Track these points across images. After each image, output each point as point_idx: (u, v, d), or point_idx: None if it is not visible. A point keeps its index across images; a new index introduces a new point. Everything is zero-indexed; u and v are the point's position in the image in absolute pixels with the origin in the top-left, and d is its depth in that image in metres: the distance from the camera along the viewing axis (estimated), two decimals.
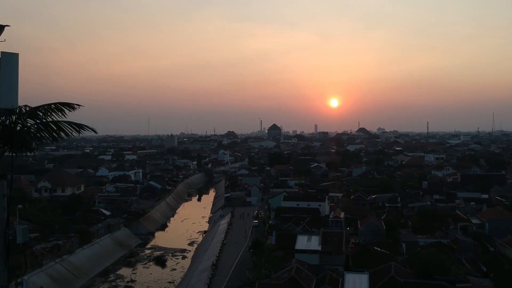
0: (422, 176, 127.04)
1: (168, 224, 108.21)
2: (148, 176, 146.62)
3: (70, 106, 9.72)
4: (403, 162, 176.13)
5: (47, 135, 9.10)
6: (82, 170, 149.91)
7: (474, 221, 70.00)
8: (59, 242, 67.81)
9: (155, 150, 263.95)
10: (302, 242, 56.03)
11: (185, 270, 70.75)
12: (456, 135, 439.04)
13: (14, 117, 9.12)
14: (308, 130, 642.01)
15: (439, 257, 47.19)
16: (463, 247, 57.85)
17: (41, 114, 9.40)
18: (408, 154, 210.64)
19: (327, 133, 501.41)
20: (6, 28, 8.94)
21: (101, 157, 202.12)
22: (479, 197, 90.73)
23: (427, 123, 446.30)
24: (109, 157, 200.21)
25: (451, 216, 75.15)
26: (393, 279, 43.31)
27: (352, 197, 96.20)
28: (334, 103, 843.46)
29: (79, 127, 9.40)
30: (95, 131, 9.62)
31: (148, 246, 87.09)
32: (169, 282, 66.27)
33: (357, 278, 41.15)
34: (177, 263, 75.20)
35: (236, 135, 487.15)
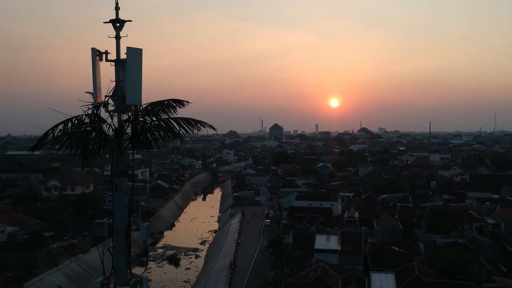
0: (430, 176, 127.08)
1: (177, 223, 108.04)
2: (156, 175, 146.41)
3: (180, 103, 9.60)
4: (409, 162, 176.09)
5: (169, 133, 8.98)
6: (88, 169, 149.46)
7: (489, 221, 69.96)
8: (74, 241, 67.75)
9: (159, 149, 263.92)
10: (321, 241, 56.04)
11: (200, 269, 70.69)
12: (458, 135, 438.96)
13: (132, 114, 9.02)
14: (308, 129, 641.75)
15: (462, 257, 47.08)
16: (481, 247, 57.76)
17: (156, 111, 9.28)
18: (413, 154, 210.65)
19: (328, 132, 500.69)
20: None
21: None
22: (490, 197, 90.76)
23: (430, 123, 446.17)
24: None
25: (464, 216, 75.11)
26: (418, 278, 43.23)
27: (363, 196, 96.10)
28: (334, 103, 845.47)
29: (199, 123, 9.27)
30: (213, 128, 9.50)
31: (160, 245, 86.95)
32: (184, 281, 66.18)
33: (383, 278, 41.09)
34: (191, 262, 75.11)
35: (238, 134, 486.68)
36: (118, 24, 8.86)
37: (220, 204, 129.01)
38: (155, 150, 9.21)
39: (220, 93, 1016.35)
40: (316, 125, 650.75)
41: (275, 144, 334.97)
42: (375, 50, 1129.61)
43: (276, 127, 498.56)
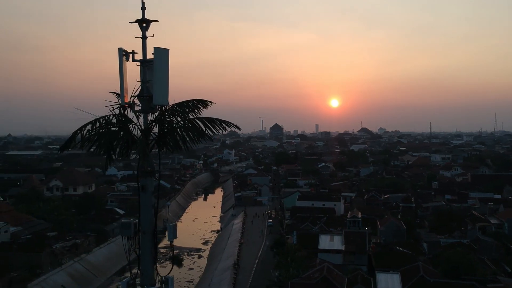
0: (432, 176, 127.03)
1: (179, 223, 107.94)
2: (157, 175, 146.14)
3: (204, 103, 9.59)
4: (410, 162, 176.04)
5: (196, 133, 8.96)
6: (90, 169, 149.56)
7: (492, 221, 69.94)
8: (77, 241, 67.71)
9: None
10: (325, 242, 56.02)
11: (203, 269, 70.65)
12: (459, 135, 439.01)
13: (156, 115, 9.02)
14: (309, 130, 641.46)
15: (467, 257, 47.07)
16: (485, 247, 57.65)
17: (180, 111, 9.27)
18: (413, 154, 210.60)
19: (329, 133, 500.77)
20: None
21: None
22: (492, 197, 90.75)
23: (430, 123, 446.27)
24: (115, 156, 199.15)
25: (467, 216, 75.06)
26: (423, 278, 43.21)
27: (365, 197, 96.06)
28: (334, 103, 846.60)
29: (224, 123, 9.26)
30: (238, 128, 9.50)
31: (162, 245, 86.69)
32: (188, 281, 66.09)
33: (389, 278, 41.08)
34: (194, 262, 75.07)
35: (238, 134, 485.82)
36: (144, 24, 8.84)
37: (222, 204, 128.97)
38: (182, 150, 9.19)
39: (220, 93, 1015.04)
40: (316, 125, 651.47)
41: (275, 144, 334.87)
42: (375, 50, 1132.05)
43: (276, 127, 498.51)
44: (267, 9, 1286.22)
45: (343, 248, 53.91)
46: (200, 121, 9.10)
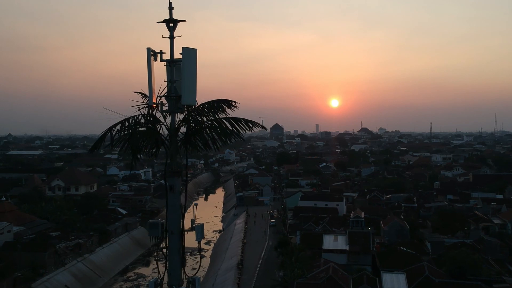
0: (433, 176, 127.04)
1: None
2: (158, 175, 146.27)
3: (229, 104, 9.57)
4: (411, 162, 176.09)
5: (223, 133, 8.95)
6: (91, 169, 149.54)
7: (495, 221, 69.91)
8: (80, 241, 67.65)
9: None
10: (329, 241, 56.00)
11: (206, 269, 70.65)
12: (459, 135, 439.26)
13: (184, 114, 9.01)
14: (309, 129, 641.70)
15: (472, 257, 47.06)
16: (489, 247, 57.69)
17: (206, 111, 9.27)
18: (414, 154, 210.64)
19: (329, 133, 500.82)
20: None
21: (107, 156, 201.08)
22: (494, 197, 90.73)
23: (430, 123, 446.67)
24: (115, 156, 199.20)
25: (470, 216, 75.04)
26: (428, 278, 43.24)
27: (367, 197, 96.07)
28: (334, 103, 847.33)
29: (250, 123, 9.25)
30: (265, 128, 9.49)
31: (164, 245, 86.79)
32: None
33: (394, 278, 41.08)
34: (196, 262, 74.92)
35: None
36: (171, 24, 8.83)
37: (223, 204, 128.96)
38: (210, 150, 9.17)
39: (220, 93, 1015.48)
40: (317, 125, 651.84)
41: (276, 144, 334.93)
42: (375, 50, 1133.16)
43: (276, 127, 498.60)
44: (268, 9, 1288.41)
45: (348, 248, 53.88)
46: (226, 121, 9.10)
